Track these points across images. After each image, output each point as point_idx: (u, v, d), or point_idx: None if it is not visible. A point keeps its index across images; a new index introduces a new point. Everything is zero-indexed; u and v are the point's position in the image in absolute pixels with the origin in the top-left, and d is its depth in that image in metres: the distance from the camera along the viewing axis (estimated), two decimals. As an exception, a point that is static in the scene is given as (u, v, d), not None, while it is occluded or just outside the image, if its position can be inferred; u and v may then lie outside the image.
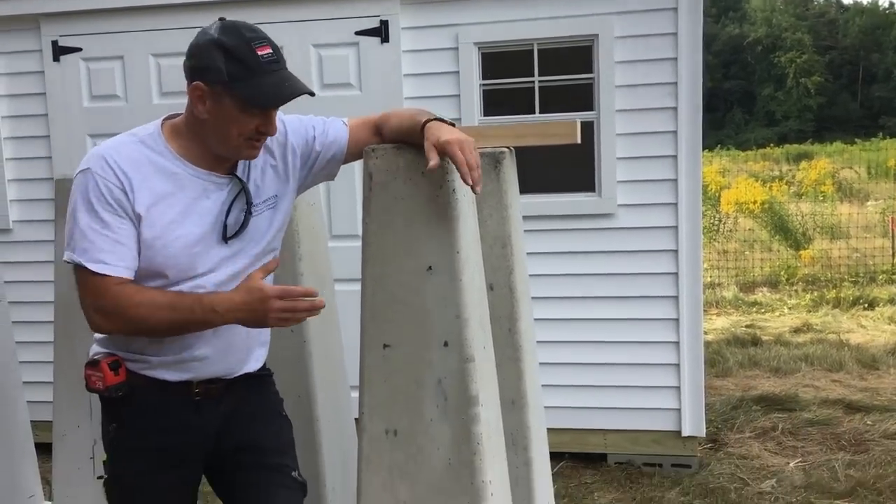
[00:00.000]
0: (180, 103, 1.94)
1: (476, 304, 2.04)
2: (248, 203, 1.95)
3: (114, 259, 1.82)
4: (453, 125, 1.87)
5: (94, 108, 4.50)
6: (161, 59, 4.41)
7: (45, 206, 4.56)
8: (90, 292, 1.84)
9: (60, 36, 4.48)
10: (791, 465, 4.20)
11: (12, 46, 4.59)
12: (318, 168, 2.09)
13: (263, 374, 2.17)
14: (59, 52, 4.49)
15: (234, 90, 1.80)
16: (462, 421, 1.98)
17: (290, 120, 2.04)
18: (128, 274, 1.85)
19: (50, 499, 3.14)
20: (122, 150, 1.87)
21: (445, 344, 1.98)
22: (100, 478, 2.33)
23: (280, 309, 1.82)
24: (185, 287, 1.89)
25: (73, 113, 4.51)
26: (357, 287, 2.05)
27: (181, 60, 1.90)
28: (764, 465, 4.21)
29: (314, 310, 1.86)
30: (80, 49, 4.47)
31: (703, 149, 4.67)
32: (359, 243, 2.08)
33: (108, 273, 1.82)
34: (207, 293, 1.87)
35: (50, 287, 3.20)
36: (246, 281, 1.88)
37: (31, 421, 3.31)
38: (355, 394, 2.14)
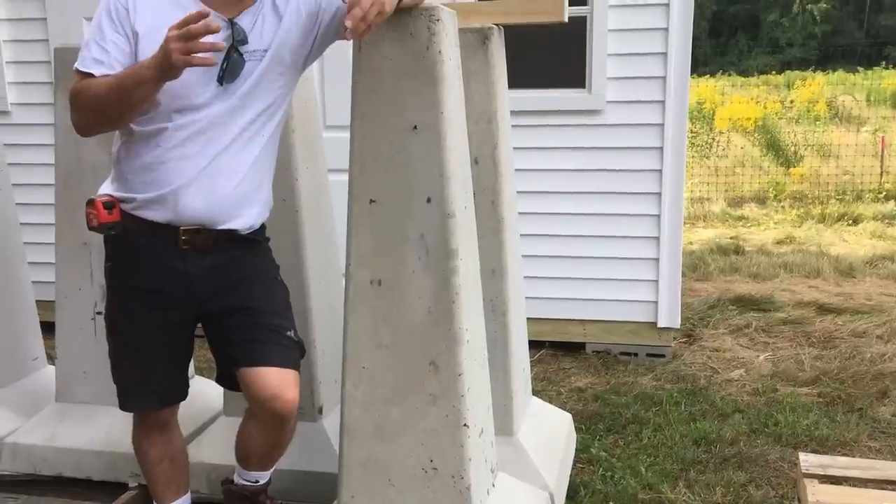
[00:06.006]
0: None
1: (458, 165, 2.15)
2: (243, 47, 2.04)
3: (99, 57, 1.97)
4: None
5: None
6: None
7: (43, 90, 4.61)
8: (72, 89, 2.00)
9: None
10: (761, 357, 4.40)
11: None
12: (324, 30, 2.16)
13: (257, 239, 2.27)
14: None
15: None
16: (442, 273, 2.11)
17: None
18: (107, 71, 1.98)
19: (53, 362, 3.29)
20: None
21: (428, 200, 2.10)
22: (99, 314, 2.48)
23: (175, 38, 1.79)
24: (182, 121, 2.02)
25: (68, -4, 4.53)
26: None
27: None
28: (735, 357, 4.40)
29: (209, 30, 1.79)
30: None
31: (704, 74, 4.71)
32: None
33: (83, 69, 1.98)
34: None
35: (48, 170, 3.30)
36: None
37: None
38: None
